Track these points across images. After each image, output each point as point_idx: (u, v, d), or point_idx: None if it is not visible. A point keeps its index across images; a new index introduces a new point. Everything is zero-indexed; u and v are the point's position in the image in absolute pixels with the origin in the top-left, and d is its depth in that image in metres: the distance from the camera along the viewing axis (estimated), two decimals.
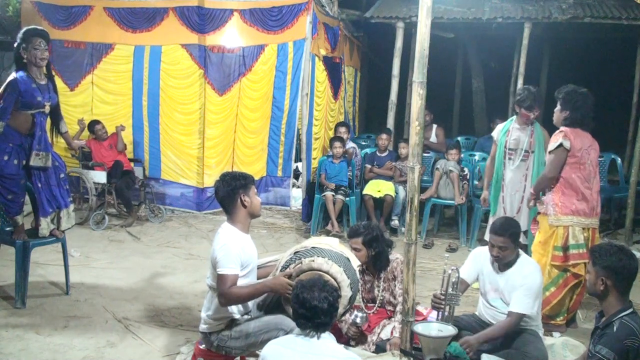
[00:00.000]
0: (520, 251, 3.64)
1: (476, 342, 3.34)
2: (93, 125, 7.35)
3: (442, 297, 3.46)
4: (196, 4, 7.41)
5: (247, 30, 7.47)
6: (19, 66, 4.41)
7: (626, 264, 2.78)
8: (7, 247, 4.73)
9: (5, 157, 4.36)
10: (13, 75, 4.34)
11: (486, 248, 3.69)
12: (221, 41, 7.53)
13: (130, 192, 7.15)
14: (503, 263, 3.58)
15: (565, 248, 4.26)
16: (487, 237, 4.35)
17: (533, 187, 4.66)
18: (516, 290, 3.46)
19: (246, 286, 3.15)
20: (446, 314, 3.45)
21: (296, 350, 2.58)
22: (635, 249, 6.31)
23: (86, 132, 7.35)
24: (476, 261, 3.75)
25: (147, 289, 5.04)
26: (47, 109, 4.49)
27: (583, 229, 4.30)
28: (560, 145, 4.28)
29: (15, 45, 4.38)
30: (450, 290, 3.46)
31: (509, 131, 5.27)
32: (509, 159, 5.25)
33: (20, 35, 4.39)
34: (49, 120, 4.69)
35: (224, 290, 3.04)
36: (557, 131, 4.40)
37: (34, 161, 4.41)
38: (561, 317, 4.40)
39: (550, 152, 4.38)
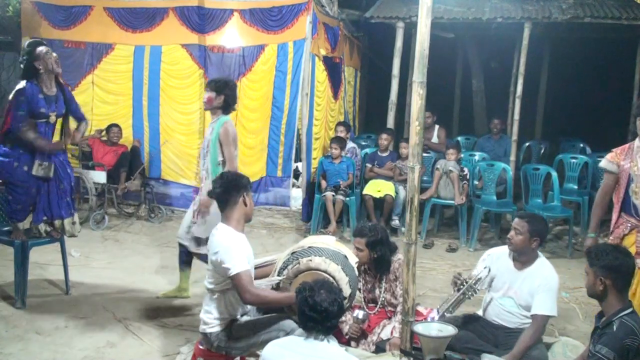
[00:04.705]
0: (540, 253, 3.62)
1: None
2: (111, 127, 7.45)
3: (463, 281, 3.50)
4: (196, 4, 7.41)
5: (247, 30, 7.47)
6: (28, 77, 4.35)
7: (623, 262, 2.79)
8: (6, 247, 4.74)
9: (15, 164, 4.36)
10: (22, 84, 4.32)
11: (501, 247, 3.70)
12: (221, 41, 7.53)
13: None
14: (518, 255, 3.56)
15: None
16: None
17: None
18: (537, 292, 3.45)
19: (274, 292, 3.19)
20: (452, 301, 3.49)
21: (297, 352, 2.58)
22: None
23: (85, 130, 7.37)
24: (490, 258, 3.74)
25: (147, 289, 5.04)
26: (52, 119, 4.46)
27: None
28: None
29: (23, 59, 4.35)
30: (473, 282, 3.50)
31: None
32: None
33: (27, 49, 4.35)
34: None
35: (247, 288, 3.04)
36: None
37: (37, 171, 4.39)
38: None
39: None
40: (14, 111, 4.28)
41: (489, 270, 3.62)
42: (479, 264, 3.77)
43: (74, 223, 4.75)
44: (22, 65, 4.41)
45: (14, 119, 4.28)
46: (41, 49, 4.34)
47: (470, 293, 3.50)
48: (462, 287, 3.52)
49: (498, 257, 3.69)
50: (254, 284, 3.09)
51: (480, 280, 3.56)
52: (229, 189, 3.24)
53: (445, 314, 3.49)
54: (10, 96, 4.34)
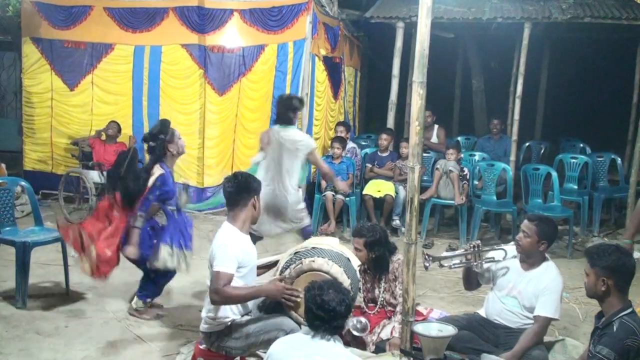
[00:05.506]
0: (547, 256, 3.62)
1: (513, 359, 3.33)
2: (110, 122, 7.45)
3: (476, 246, 3.56)
4: (196, 4, 7.42)
5: (247, 30, 7.47)
6: (159, 159, 4.35)
7: (625, 262, 2.79)
8: (7, 247, 4.73)
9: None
10: (160, 170, 4.30)
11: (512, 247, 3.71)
12: (221, 41, 7.53)
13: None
14: (526, 256, 3.56)
15: None
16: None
17: None
18: (542, 294, 3.45)
19: (242, 287, 3.16)
20: (451, 254, 3.61)
21: (302, 350, 2.59)
22: (636, 249, 6.31)
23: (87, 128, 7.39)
24: (508, 249, 3.73)
25: None
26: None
27: None
28: None
29: (159, 139, 4.34)
30: (487, 254, 3.58)
31: None
32: None
33: (159, 128, 4.34)
34: None
35: (218, 288, 3.04)
36: None
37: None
38: None
39: None
40: (148, 194, 4.24)
41: (505, 253, 3.61)
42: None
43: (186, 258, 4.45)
44: (152, 144, 4.34)
45: (145, 202, 4.23)
46: (176, 131, 4.34)
47: (474, 260, 3.53)
48: (473, 249, 3.55)
49: (511, 254, 3.69)
50: (229, 287, 3.06)
51: (490, 257, 3.56)
52: (241, 191, 3.25)
53: (442, 263, 3.54)
54: (150, 181, 4.25)
